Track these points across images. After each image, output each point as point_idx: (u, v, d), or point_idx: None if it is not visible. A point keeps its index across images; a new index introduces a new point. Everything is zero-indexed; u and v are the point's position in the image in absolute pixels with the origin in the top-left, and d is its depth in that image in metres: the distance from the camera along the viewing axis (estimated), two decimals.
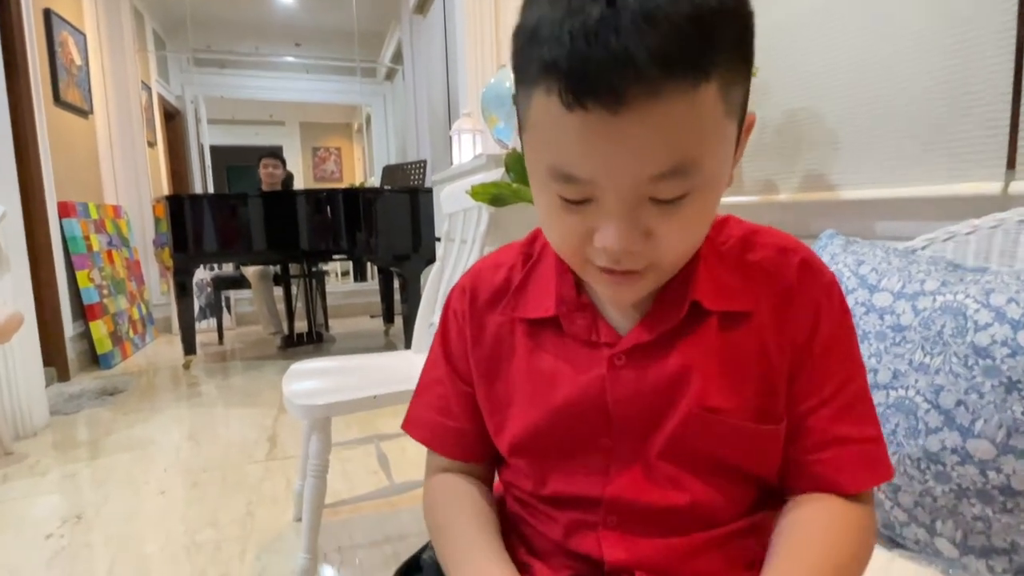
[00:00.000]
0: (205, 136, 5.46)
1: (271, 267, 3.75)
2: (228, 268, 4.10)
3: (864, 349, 0.70)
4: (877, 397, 0.67)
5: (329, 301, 4.30)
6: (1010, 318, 0.58)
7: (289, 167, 4.02)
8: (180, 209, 2.95)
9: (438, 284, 1.51)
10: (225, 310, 4.29)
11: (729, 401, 0.43)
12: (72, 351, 3.01)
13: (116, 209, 3.81)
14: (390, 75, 5.81)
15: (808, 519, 0.43)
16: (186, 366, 3.16)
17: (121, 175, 3.97)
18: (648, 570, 0.44)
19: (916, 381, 0.64)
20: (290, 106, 6.85)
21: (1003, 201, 0.77)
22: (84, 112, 3.56)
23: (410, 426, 0.55)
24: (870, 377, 0.68)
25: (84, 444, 2.09)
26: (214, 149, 5.57)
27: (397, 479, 1.37)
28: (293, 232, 3.01)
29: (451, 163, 2.32)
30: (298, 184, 4.49)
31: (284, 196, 3.12)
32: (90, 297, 3.14)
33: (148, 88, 4.54)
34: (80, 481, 1.77)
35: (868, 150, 0.97)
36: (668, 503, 0.44)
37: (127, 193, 4.02)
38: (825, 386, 0.44)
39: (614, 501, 0.45)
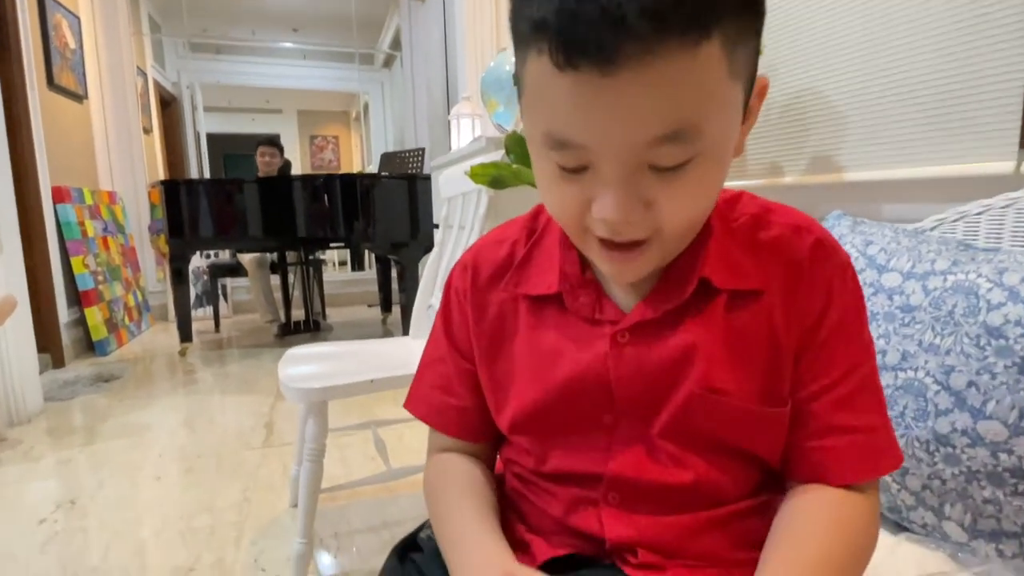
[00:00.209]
0: (201, 123, 5.42)
1: (268, 255, 3.72)
2: (225, 256, 4.07)
3: (872, 330, 0.68)
4: (885, 379, 0.66)
5: (326, 290, 4.28)
6: None
7: (286, 155, 3.99)
8: (176, 194, 2.92)
9: (436, 269, 1.49)
10: (222, 298, 4.27)
11: (734, 383, 0.42)
12: (67, 337, 2.99)
13: (111, 195, 3.78)
14: (388, 62, 5.76)
15: (808, 510, 0.41)
16: (182, 353, 3.14)
17: (116, 161, 3.93)
18: (650, 548, 0.43)
19: (926, 362, 0.63)
20: (287, 93, 6.79)
21: (1015, 181, 0.76)
22: (79, 96, 3.51)
23: (411, 404, 0.54)
24: (878, 359, 0.67)
25: (79, 430, 2.07)
26: (211, 137, 5.53)
27: (395, 465, 1.36)
28: (290, 218, 2.98)
29: (450, 150, 2.29)
30: (296, 173, 4.46)
31: (281, 182, 3.08)
32: (85, 283, 3.11)
33: (143, 73, 4.49)
34: (74, 467, 1.76)
35: (876, 131, 0.95)
36: (670, 481, 0.43)
37: (122, 179, 3.98)
38: (831, 371, 0.42)
39: (615, 478, 0.44)
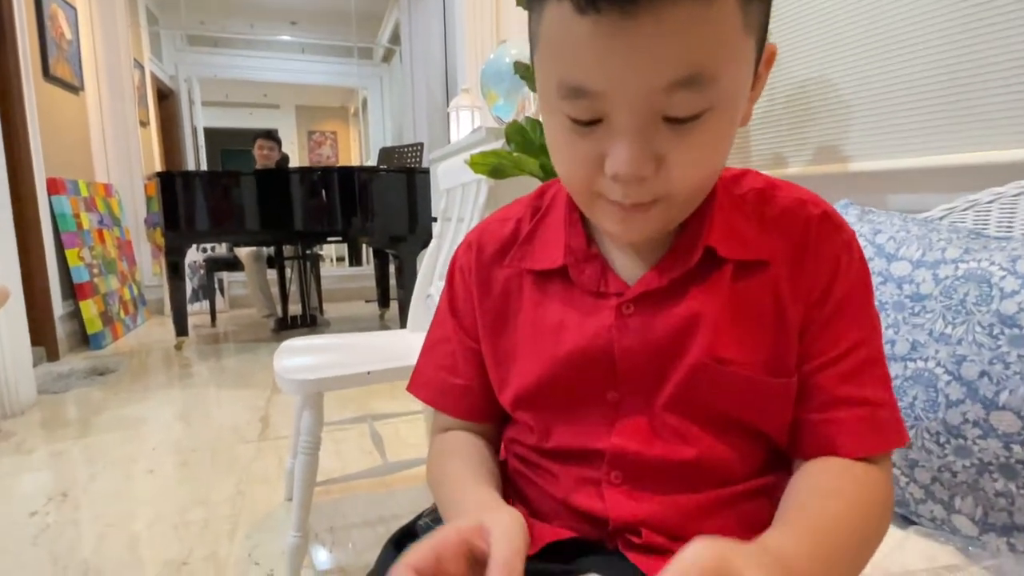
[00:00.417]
0: (199, 117, 5.39)
1: (265, 249, 3.70)
2: (221, 250, 4.04)
3: (881, 320, 0.67)
4: (894, 369, 0.64)
5: (324, 285, 4.26)
6: None
7: (284, 151, 3.96)
8: (172, 186, 2.89)
9: (435, 260, 1.48)
10: (218, 292, 4.24)
11: (740, 352, 0.41)
12: (62, 330, 2.96)
13: (107, 188, 3.75)
14: (387, 57, 5.74)
15: (818, 477, 0.40)
16: (178, 347, 3.12)
17: (112, 153, 3.90)
18: (655, 528, 0.42)
19: (936, 352, 0.61)
20: (285, 88, 6.76)
21: None
22: (75, 88, 3.48)
23: (415, 387, 0.54)
24: (887, 349, 0.65)
25: (72, 423, 2.05)
26: (208, 131, 5.50)
27: (391, 459, 1.34)
28: (287, 212, 2.95)
29: (449, 144, 2.27)
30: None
31: (278, 175, 3.06)
32: (80, 276, 3.09)
33: (140, 66, 4.46)
34: (67, 459, 1.74)
35: (882, 120, 0.93)
36: (674, 457, 0.42)
37: (118, 172, 3.95)
38: (837, 345, 0.42)
39: (617, 454, 0.43)
